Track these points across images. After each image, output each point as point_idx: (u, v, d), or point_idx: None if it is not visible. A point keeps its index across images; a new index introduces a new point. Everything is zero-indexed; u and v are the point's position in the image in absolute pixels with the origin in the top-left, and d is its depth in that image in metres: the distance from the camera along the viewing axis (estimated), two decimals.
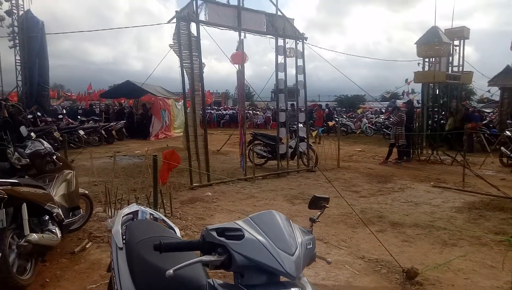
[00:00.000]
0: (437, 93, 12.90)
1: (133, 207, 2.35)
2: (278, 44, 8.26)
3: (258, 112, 29.04)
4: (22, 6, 14.42)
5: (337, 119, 20.77)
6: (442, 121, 13.29)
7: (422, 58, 11.75)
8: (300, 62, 8.77)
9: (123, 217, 2.19)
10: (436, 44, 10.97)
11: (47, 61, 15.54)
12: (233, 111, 30.45)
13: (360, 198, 6.57)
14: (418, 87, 13.85)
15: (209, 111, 26.08)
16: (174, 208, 5.46)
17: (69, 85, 48.15)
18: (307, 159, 9.27)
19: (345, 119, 23.29)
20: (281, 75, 8.48)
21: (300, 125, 9.23)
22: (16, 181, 3.37)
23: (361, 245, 4.30)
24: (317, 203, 1.63)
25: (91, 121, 16.35)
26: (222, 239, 1.15)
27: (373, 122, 21.89)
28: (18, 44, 14.42)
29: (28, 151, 4.20)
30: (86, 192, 4.76)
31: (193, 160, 7.26)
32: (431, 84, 11.82)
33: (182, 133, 19.19)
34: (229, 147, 13.36)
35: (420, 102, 12.84)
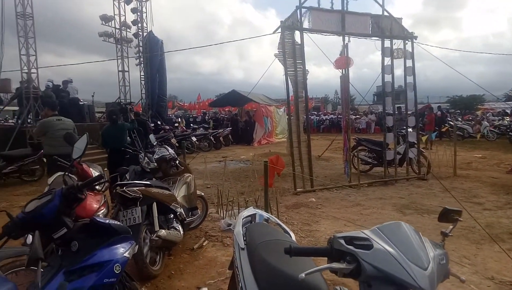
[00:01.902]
0: None
1: (251, 210, 2.49)
2: (385, 46, 7.90)
3: (360, 116, 27.99)
4: (146, 28, 16.50)
5: (451, 123, 18.81)
6: None
7: None
8: (409, 63, 8.23)
9: (243, 219, 2.34)
10: None
11: (165, 75, 17.48)
12: (333, 116, 29.93)
13: (484, 211, 5.83)
14: None
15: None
16: (280, 212, 5.61)
17: (181, 95, 53.14)
18: (418, 166, 8.60)
19: (461, 122, 20.95)
20: (387, 77, 8.08)
21: (410, 129, 8.61)
22: (149, 183, 3.86)
23: (489, 264, 3.82)
24: (448, 216, 1.52)
25: (201, 128, 17.79)
26: (351, 247, 1.17)
27: (495, 125, 19.23)
28: (142, 62, 16.53)
29: (156, 156, 4.77)
30: (202, 194, 5.19)
31: (296, 165, 7.35)
32: None
33: (283, 139, 19.71)
34: (330, 152, 13.17)
35: None
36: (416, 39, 8.26)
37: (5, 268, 2.53)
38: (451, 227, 1.51)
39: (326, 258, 1.26)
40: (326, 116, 30.46)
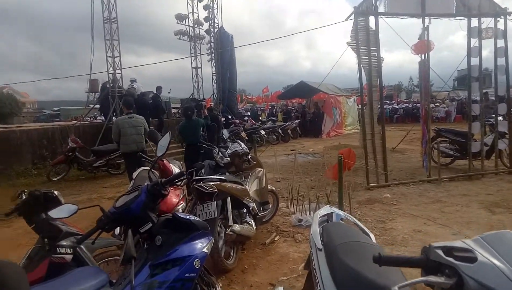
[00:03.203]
0: None
1: (328, 209, 2.41)
2: (471, 26, 7.14)
3: (438, 104, 25.81)
4: (217, 24, 16.96)
5: None
6: None
7: None
8: (500, 43, 7.34)
9: (319, 218, 2.28)
10: None
11: (235, 70, 17.80)
12: (408, 104, 28.12)
13: None
14: None
15: None
16: (353, 209, 5.41)
17: (249, 89, 54.02)
18: (509, 159, 7.71)
19: None
20: (473, 60, 7.31)
21: (500, 118, 7.72)
22: (223, 177, 3.96)
23: None
24: None
25: (269, 122, 17.90)
26: (451, 259, 1.05)
27: None
28: (213, 58, 17.02)
29: (229, 151, 4.89)
30: (273, 188, 5.21)
31: (369, 159, 7.03)
32: None
33: (353, 130, 19.02)
34: (405, 144, 12.40)
35: None
36: (510, 15, 7.32)
37: (98, 257, 2.79)
38: None
39: (414, 269, 1.16)
40: (400, 105, 28.70)
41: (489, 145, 7.75)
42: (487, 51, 7.46)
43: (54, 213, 2.16)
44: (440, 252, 1.08)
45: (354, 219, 2.41)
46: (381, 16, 6.89)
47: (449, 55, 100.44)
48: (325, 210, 2.39)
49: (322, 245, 1.99)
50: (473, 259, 1.03)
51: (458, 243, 1.10)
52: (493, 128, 7.85)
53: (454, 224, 4.82)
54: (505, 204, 5.55)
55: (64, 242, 2.51)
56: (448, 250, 1.07)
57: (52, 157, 10.41)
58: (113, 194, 7.68)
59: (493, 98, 7.95)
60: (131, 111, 6.65)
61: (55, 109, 43.56)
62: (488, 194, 6.22)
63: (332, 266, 1.80)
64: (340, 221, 2.37)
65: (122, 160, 9.95)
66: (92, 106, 16.00)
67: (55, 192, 2.70)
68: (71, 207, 2.17)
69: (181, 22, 16.12)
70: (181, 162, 6.92)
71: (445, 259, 1.06)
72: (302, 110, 20.18)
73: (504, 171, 7.63)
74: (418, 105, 25.66)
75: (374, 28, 6.86)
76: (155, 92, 13.46)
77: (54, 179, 9.39)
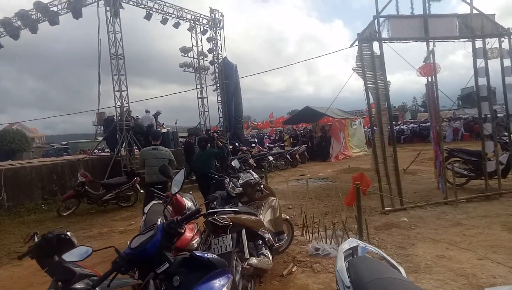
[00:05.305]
0: None
1: (352, 241, 2.31)
2: (476, 46, 7.16)
3: (444, 124, 25.65)
4: (220, 55, 17.28)
5: None
6: None
7: None
8: (506, 62, 7.34)
9: (344, 252, 2.17)
10: None
11: (240, 98, 18.00)
12: (414, 125, 28.06)
13: None
14: None
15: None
16: (370, 235, 5.24)
17: (253, 115, 54.41)
18: None
19: None
20: (480, 80, 7.30)
21: None
22: (237, 209, 3.86)
23: None
24: None
25: (277, 147, 17.87)
26: None
27: None
28: (218, 87, 17.25)
29: (241, 181, 4.81)
30: (287, 217, 5.09)
31: (382, 182, 6.90)
32: None
33: (361, 153, 18.87)
34: (416, 165, 12.20)
35: None
36: None
37: None
38: None
39: None
40: (406, 126, 28.61)
41: (504, 164, 7.58)
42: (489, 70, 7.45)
43: (67, 256, 2.09)
44: None
45: (381, 252, 2.30)
46: (385, 41, 6.94)
47: (450, 74, 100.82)
48: (349, 243, 2.29)
49: (350, 282, 1.88)
50: None
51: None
52: (506, 146, 7.70)
53: (478, 248, 4.63)
54: None
55: (78, 285, 2.41)
56: None
57: (62, 192, 10.41)
58: (123, 227, 7.56)
59: (501, 115, 7.86)
60: (158, 143, 6.70)
61: (64, 143, 44.01)
62: (510, 215, 6.01)
63: None
64: (366, 254, 2.26)
65: (132, 192, 9.93)
66: (100, 139, 16.15)
67: (68, 233, 2.63)
68: (85, 249, 2.09)
69: (186, 55, 16.48)
70: (190, 192, 6.85)
71: None
72: (309, 135, 20.15)
73: None
74: (424, 124, 25.64)
75: (378, 53, 6.90)
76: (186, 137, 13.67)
77: (64, 214, 9.33)
